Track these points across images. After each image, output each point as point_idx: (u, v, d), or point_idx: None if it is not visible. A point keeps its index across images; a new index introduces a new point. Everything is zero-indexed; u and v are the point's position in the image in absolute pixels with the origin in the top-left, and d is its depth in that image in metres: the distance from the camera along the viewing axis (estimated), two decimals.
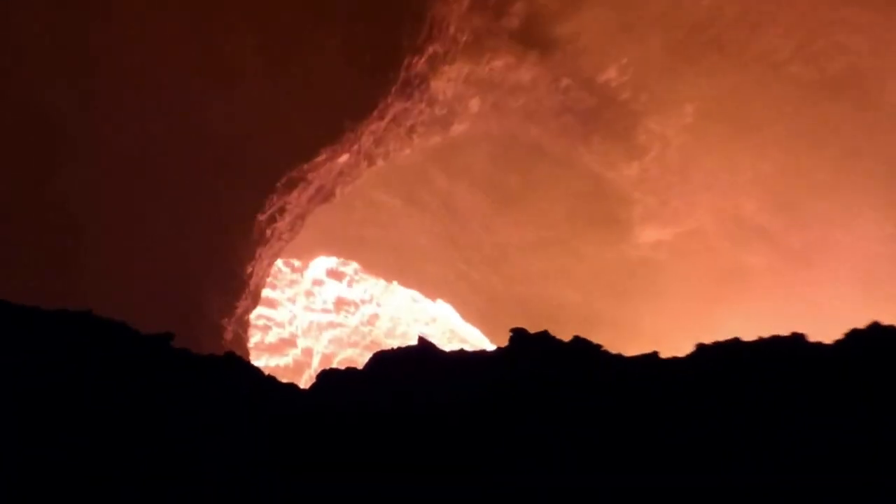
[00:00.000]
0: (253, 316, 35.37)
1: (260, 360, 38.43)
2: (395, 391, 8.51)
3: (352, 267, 41.94)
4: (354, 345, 41.35)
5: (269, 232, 26.71)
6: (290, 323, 40.76)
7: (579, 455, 6.97)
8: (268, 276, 30.40)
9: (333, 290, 41.69)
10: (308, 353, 40.19)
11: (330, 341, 41.16)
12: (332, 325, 41.69)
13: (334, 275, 41.65)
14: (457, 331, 41.76)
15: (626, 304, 36.00)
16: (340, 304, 41.87)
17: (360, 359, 38.77)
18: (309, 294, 41.23)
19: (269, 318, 40.06)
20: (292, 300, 40.72)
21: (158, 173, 23.06)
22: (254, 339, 38.51)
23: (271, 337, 40.07)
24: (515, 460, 7.09)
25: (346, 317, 42.03)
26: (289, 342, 40.52)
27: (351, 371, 9.07)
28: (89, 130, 21.94)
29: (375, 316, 42.41)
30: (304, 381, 35.35)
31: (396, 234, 38.81)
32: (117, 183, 22.55)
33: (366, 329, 42.19)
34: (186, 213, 23.67)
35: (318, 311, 41.47)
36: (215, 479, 6.66)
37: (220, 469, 6.87)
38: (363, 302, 42.19)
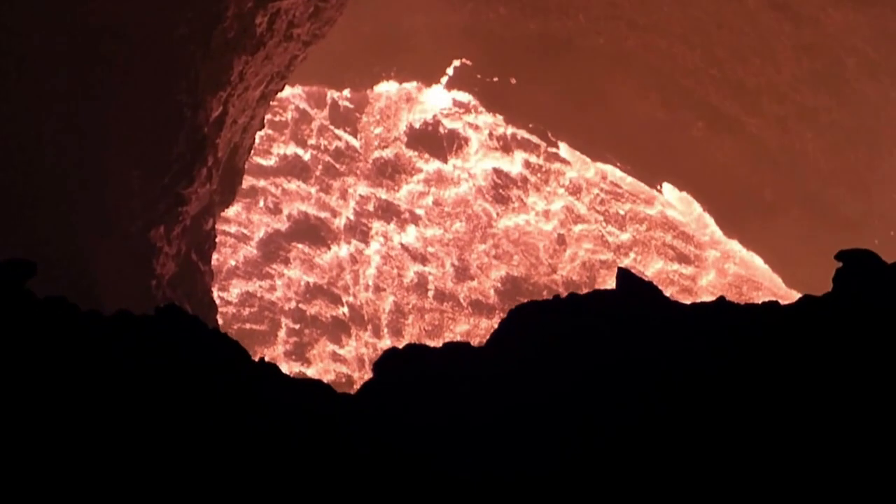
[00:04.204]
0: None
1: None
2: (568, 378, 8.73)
3: (465, 98, 39.47)
4: None
5: (260, 20, 24.41)
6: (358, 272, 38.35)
7: None
8: (259, 130, 28.68)
9: (436, 173, 39.41)
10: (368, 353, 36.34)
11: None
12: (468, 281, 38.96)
13: (428, 141, 39.18)
14: (701, 247, 39.85)
15: None
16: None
17: None
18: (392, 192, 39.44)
19: (306, 254, 38.15)
20: (353, 231, 38.78)
21: None
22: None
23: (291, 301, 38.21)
24: None
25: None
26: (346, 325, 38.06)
27: (462, 347, 7.66)
28: None
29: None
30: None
31: (560, 27, 36.59)
32: None
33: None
34: None
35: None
36: None
37: None
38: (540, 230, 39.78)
